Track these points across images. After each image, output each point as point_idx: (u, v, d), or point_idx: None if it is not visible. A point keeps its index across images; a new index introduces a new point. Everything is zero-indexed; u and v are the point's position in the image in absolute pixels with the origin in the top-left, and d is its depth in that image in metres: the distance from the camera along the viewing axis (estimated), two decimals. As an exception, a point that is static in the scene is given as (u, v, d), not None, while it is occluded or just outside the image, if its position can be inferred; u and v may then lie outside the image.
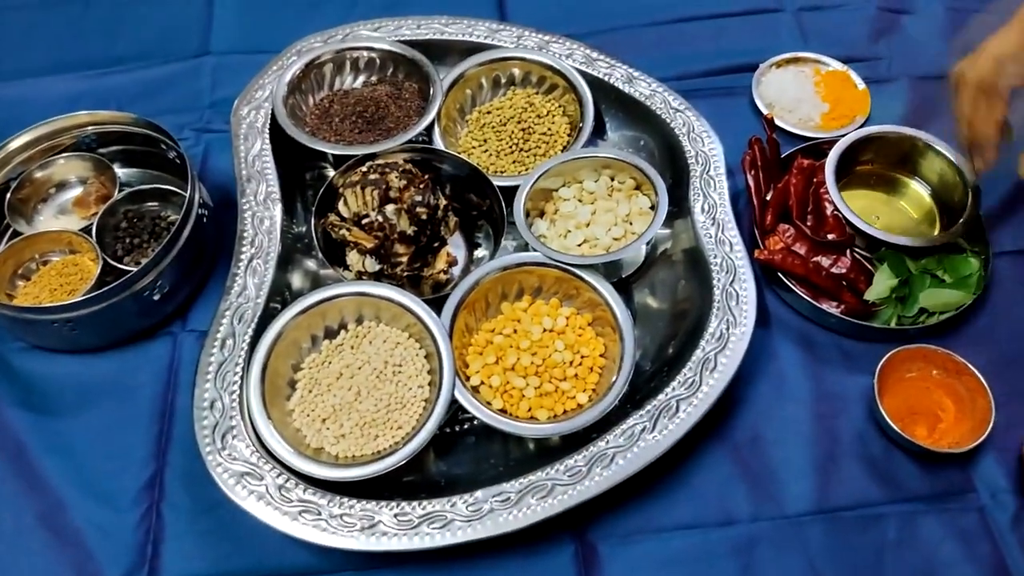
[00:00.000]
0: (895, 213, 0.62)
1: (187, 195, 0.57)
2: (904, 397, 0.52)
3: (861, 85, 0.69)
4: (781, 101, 0.69)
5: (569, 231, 0.59)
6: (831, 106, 0.68)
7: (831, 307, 0.56)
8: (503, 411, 0.52)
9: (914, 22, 0.74)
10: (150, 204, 0.64)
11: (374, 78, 0.68)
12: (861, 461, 0.52)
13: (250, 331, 0.53)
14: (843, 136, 0.61)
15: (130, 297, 0.55)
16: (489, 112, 0.67)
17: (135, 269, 0.55)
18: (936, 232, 0.61)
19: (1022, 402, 0.53)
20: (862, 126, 0.66)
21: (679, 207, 0.59)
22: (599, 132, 0.66)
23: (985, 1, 0.75)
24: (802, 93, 0.69)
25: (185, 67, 0.74)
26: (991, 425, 0.49)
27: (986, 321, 0.57)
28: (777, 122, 0.66)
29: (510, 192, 0.59)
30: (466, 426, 0.54)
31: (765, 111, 0.67)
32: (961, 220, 0.57)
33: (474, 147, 0.65)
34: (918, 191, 0.63)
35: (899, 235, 0.57)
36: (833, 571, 0.48)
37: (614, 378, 0.51)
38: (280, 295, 0.57)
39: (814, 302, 0.56)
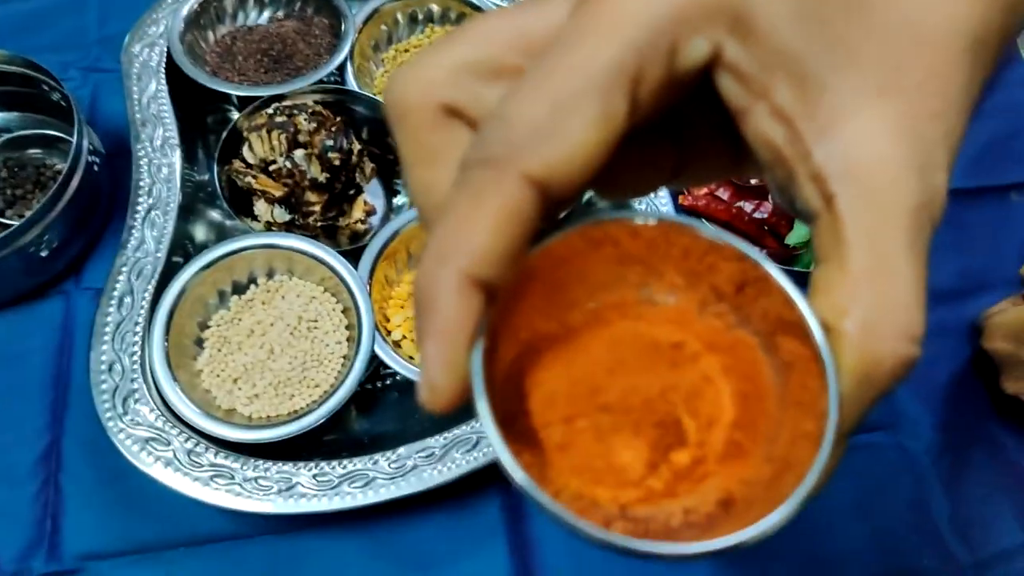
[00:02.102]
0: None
1: (74, 141, 0.52)
2: (588, 377, 0.19)
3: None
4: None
5: (492, 177, 0.57)
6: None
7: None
8: (426, 365, 0.50)
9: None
10: (33, 151, 0.59)
11: (280, 13, 0.63)
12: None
13: (150, 288, 0.50)
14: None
15: (14, 254, 0.51)
16: (407, 51, 0.63)
17: (18, 223, 0.50)
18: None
19: (937, 338, 0.55)
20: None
21: (604, 151, 0.58)
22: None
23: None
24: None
25: (66, -1, 0.68)
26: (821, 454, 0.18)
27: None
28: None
29: (429, 136, 0.56)
30: (388, 382, 0.52)
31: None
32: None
33: (390, 88, 0.62)
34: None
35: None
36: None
37: (539, 328, 0.50)
38: (182, 249, 0.53)
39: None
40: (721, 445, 0.18)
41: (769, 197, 0.58)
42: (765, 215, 0.57)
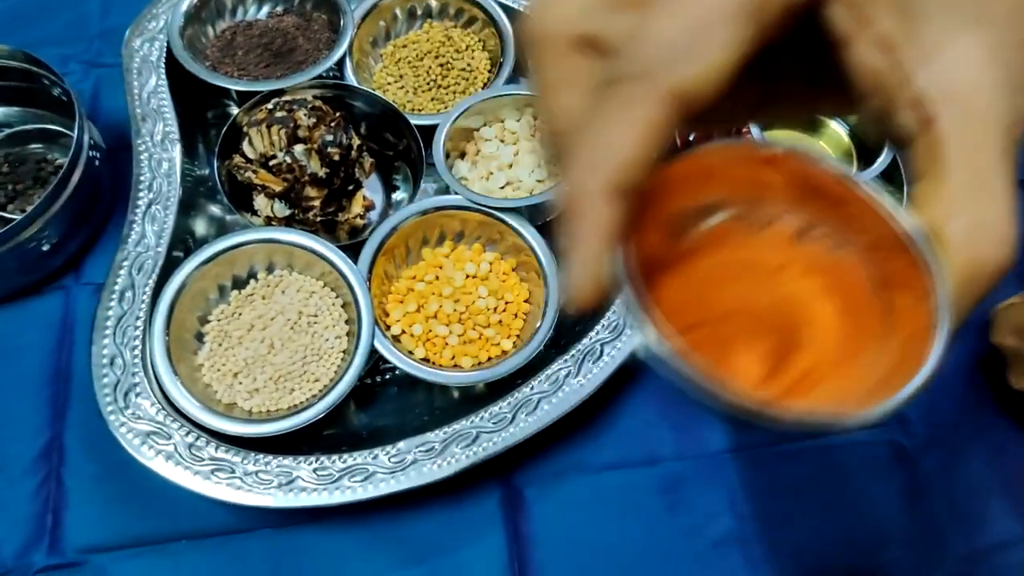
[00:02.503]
0: (814, 152, 0.63)
1: (75, 136, 0.52)
2: (709, 291, 0.21)
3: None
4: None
5: (491, 173, 0.57)
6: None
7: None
8: (425, 360, 0.51)
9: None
10: (34, 146, 0.59)
11: (280, 8, 0.63)
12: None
13: (151, 282, 0.50)
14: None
15: (14, 249, 0.51)
16: (405, 46, 0.63)
17: (19, 218, 0.50)
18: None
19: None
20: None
21: (603, 147, 0.58)
22: (521, 69, 0.63)
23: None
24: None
25: (69, -9, 0.68)
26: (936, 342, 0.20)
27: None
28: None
29: (429, 131, 0.56)
30: (387, 376, 0.52)
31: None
32: (878, 161, 0.58)
33: (389, 83, 0.62)
34: (836, 131, 0.63)
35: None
36: (753, 506, 0.49)
37: (539, 323, 0.50)
38: (183, 243, 0.53)
39: (735, 242, 0.56)
40: (831, 352, 0.20)
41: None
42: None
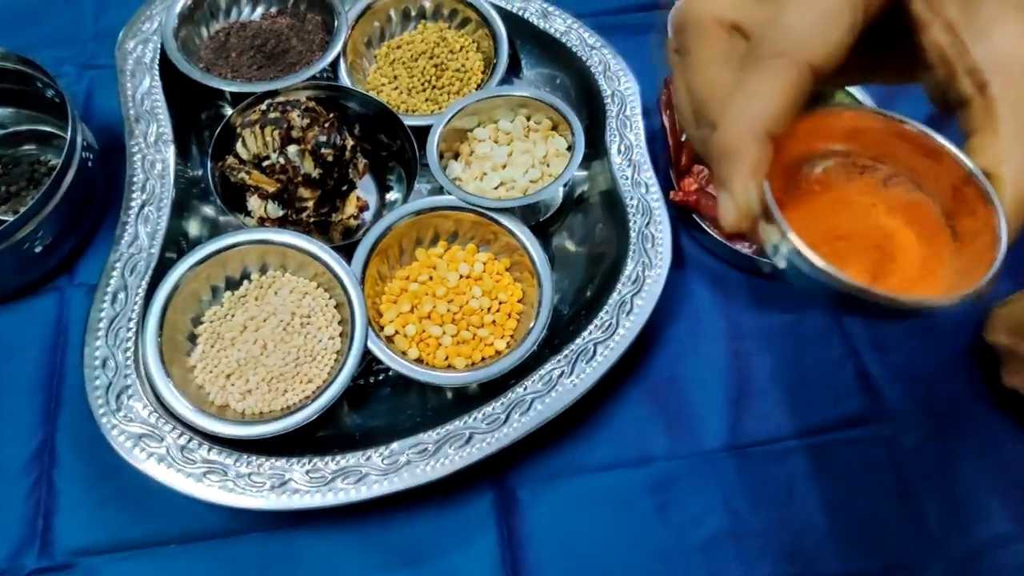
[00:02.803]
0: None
1: (68, 137, 0.52)
2: (823, 215, 0.29)
3: (777, 23, 0.69)
4: (698, 39, 0.68)
5: (485, 173, 0.57)
6: (747, 44, 0.68)
7: (743, 247, 0.56)
8: (419, 360, 0.50)
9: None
10: (27, 148, 0.59)
11: (274, 9, 0.63)
12: (773, 396, 0.53)
13: (144, 283, 0.50)
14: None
15: (8, 250, 0.51)
16: (399, 47, 0.63)
17: (12, 219, 0.50)
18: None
19: (938, 328, 0.55)
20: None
21: (596, 148, 0.58)
22: (514, 70, 0.63)
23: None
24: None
25: (62, -6, 0.68)
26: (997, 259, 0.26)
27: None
28: (694, 60, 0.65)
29: (423, 132, 0.56)
30: (381, 377, 0.52)
31: (683, 49, 0.66)
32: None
33: (383, 84, 0.62)
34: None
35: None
36: (747, 505, 0.49)
37: (532, 323, 0.50)
38: (176, 244, 0.53)
39: (727, 242, 0.56)
40: (916, 265, 0.28)
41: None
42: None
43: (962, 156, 0.26)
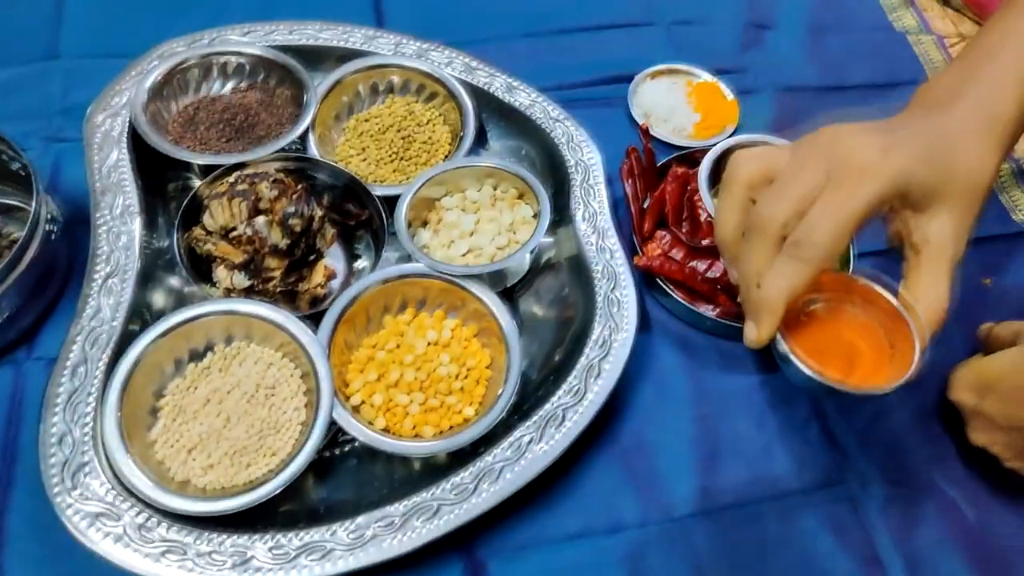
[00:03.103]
0: (766, 218, 0.65)
1: (32, 210, 0.52)
2: (811, 336, 0.46)
3: (730, 96, 0.72)
4: (656, 111, 0.70)
5: (453, 241, 0.58)
6: (703, 116, 0.70)
7: (707, 310, 0.57)
8: (386, 430, 0.50)
9: (776, 37, 0.78)
10: (-10, 220, 0.59)
11: (243, 84, 0.65)
12: (741, 459, 0.53)
13: (105, 356, 0.49)
14: (715, 145, 0.62)
15: (-35, 323, 0.50)
16: (367, 120, 0.64)
17: (-30, 292, 0.49)
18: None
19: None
20: (732, 135, 0.69)
21: (561, 215, 0.59)
22: (481, 141, 0.65)
23: (841, 22, 0.80)
24: (676, 103, 0.71)
25: (31, 70, 0.68)
26: (915, 360, 0.43)
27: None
28: (652, 132, 0.68)
29: (391, 202, 0.57)
30: (347, 448, 0.51)
31: (641, 121, 0.69)
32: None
33: (352, 155, 0.63)
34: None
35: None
36: (717, 570, 0.49)
37: (501, 389, 0.50)
38: (140, 316, 0.52)
39: (691, 306, 0.57)
40: (871, 368, 0.45)
41: (720, 258, 0.59)
42: (718, 274, 0.58)
43: (893, 300, 0.45)
